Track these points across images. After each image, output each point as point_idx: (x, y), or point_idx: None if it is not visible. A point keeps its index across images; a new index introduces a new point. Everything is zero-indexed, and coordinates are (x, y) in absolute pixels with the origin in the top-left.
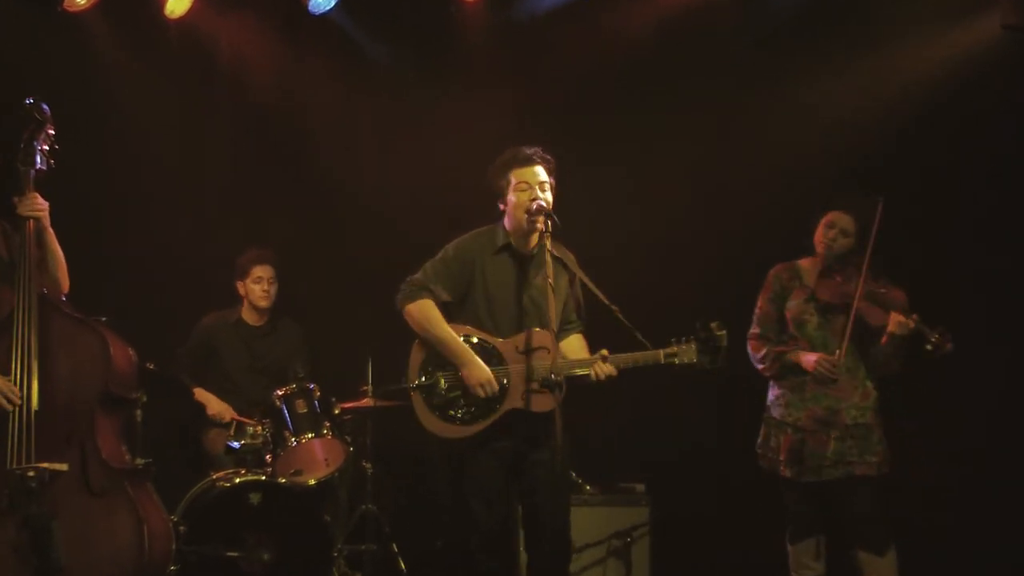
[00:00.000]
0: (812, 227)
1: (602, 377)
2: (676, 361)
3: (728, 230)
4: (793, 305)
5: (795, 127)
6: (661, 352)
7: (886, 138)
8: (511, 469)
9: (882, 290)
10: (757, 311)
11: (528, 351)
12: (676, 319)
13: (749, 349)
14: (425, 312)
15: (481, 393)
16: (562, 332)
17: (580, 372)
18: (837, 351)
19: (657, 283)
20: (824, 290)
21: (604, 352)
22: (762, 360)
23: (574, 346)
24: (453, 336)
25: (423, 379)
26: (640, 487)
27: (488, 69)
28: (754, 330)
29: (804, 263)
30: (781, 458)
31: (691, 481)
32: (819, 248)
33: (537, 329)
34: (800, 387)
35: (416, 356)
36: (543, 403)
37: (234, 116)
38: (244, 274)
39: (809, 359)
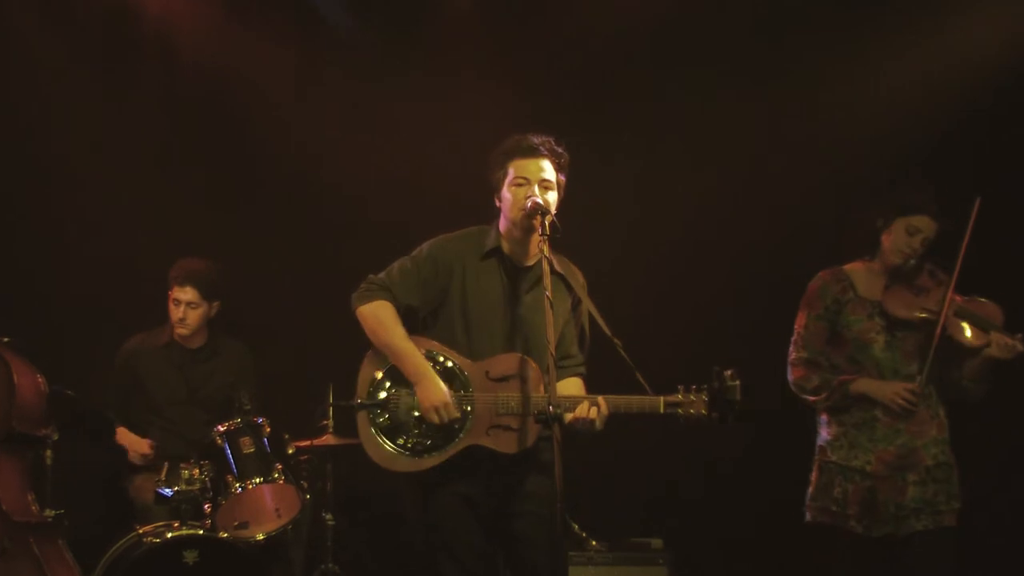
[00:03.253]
0: (861, 227)
1: (584, 419)
2: (680, 412)
3: (753, 239)
4: (853, 322)
5: (836, 116)
6: (661, 400)
7: (941, 128)
8: (488, 524)
9: (973, 304)
10: (799, 330)
11: (502, 379)
12: (686, 351)
13: (792, 377)
14: (378, 315)
15: (435, 419)
16: (557, 369)
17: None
18: (918, 377)
19: (664, 304)
20: (897, 304)
21: (599, 399)
22: (816, 390)
23: (567, 390)
24: (408, 345)
25: (371, 396)
26: (657, 542)
27: (474, 42)
28: (799, 354)
29: (854, 269)
30: (850, 511)
31: (717, 534)
32: (894, 257)
33: (519, 355)
34: (868, 423)
35: (367, 368)
36: (511, 442)
37: (166, 92)
38: (168, 288)
39: (885, 389)
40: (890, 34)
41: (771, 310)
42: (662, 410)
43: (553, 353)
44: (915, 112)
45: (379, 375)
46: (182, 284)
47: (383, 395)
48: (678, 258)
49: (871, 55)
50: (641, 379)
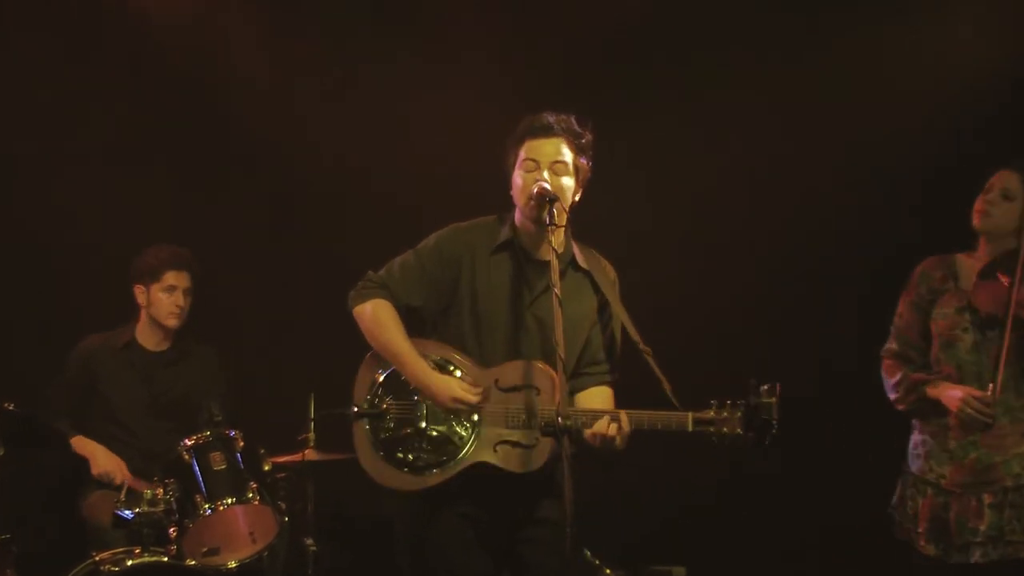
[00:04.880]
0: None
1: (604, 435)
2: (711, 430)
3: (797, 233)
4: (940, 315)
5: (889, 83)
6: (690, 416)
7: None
8: (494, 548)
9: None
10: (897, 319)
11: (513, 389)
12: (711, 356)
13: (883, 372)
14: (376, 314)
15: (464, 408)
16: (581, 377)
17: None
18: (991, 384)
19: (684, 305)
20: (984, 296)
21: (621, 414)
22: (895, 387)
23: (592, 401)
24: (407, 347)
25: (369, 405)
26: (679, 571)
27: (473, 15)
28: (890, 345)
29: (964, 258)
30: (919, 529)
31: (747, 562)
32: (975, 221)
33: (532, 362)
34: (943, 432)
35: (365, 373)
36: (520, 461)
37: (127, 63)
38: (151, 277)
39: (953, 395)
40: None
41: (804, 308)
42: (691, 428)
43: (563, 356)
44: (969, 86)
45: (379, 380)
46: (178, 269)
47: (383, 404)
48: (700, 252)
49: (918, 26)
50: (670, 393)
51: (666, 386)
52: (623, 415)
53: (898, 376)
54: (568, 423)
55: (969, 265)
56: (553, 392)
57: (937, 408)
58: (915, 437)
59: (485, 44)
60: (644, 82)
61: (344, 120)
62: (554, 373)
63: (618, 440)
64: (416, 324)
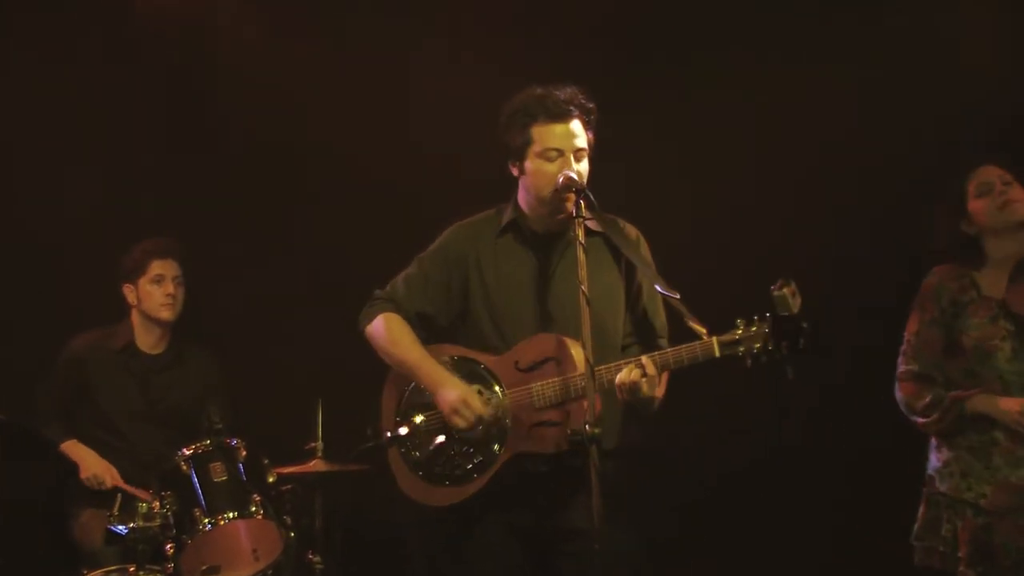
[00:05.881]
0: (943, 222)
1: (630, 383)
2: (741, 351)
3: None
4: (972, 327)
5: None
6: (715, 341)
7: None
8: (536, 555)
9: None
10: (909, 337)
11: (533, 367)
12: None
13: (900, 394)
14: (385, 328)
15: (461, 423)
16: (646, 347)
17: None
18: None
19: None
20: (1020, 298)
21: (643, 358)
22: (927, 410)
23: None
24: (419, 352)
25: (399, 428)
26: None
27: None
28: (908, 367)
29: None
30: (960, 553)
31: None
32: (982, 219)
33: (548, 335)
34: (984, 448)
35: (389, 397)
36: (558, 439)
37: (112, 44)
38: (137, 272)
39: (1007, 407)
40: None
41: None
42: (718, 353)
43: (590, 359)
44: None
45: (402, 399)
46: (163, 257)
47: (411, 424)
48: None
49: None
50: (693, 324)
51: (688, 317)
52: (646, 360)
53: (928, 398)
54: (596, 432)
55: (989, 270)
56: (577, 359)
57: (976, 424)
58: (943, 455)
59: (486, 24)
60: (652, 59)
61: (344, 114)
62: (569, 340)
63: (644, 386)
64: (435, 335)
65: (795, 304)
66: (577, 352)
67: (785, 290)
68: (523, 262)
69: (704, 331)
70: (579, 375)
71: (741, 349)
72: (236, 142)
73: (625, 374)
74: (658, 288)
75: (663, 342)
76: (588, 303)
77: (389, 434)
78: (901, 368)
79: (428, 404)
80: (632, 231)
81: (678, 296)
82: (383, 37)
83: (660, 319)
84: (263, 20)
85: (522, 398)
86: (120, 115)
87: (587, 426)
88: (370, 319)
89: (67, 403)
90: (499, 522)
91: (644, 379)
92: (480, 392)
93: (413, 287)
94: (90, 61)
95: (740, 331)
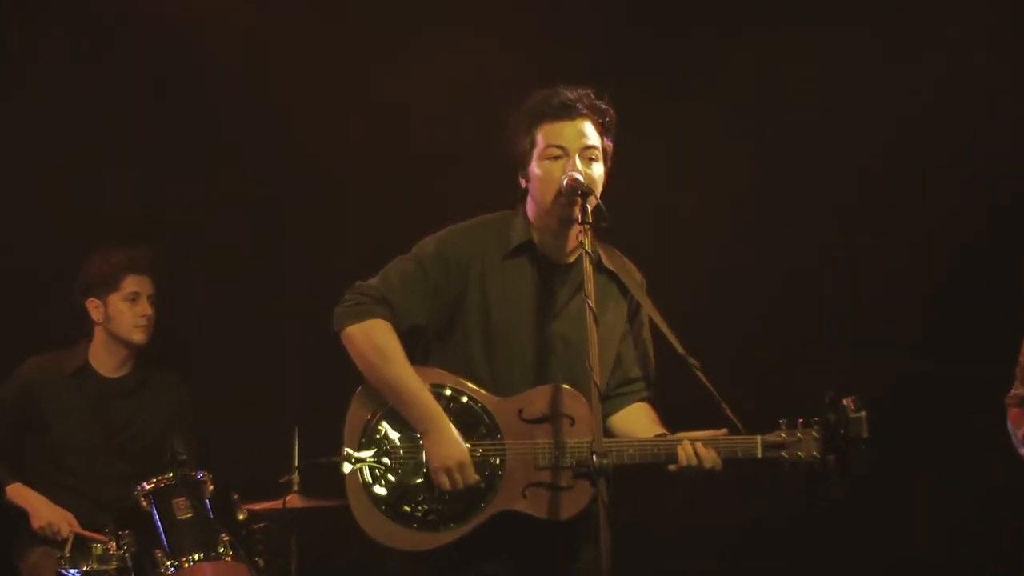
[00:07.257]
0: None
1: (696, 464)
2: (784, 455)
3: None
4: None
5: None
6: (759, 440)
7: None
8: None
9: None
10: (1022, 359)
11: (542, 420)
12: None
13: (1011, 423)
14: (375, 339)
15: (445, 483)
16: (614, 399)
17: (648, 459)
18: None
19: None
20: None
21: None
22: None
23: (638, 421)
24: (415, 382)
25: (364, 448)
26: None
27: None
28: (1016, 390)
29: None
30: None
31: None
32: None
33: (562, 387)
34: None
35: (357, 411)
36: (556, 506)
37: (78, 25)
38: (107, 287)
39: None
40: None
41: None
42: (760, 454)
43: (598, 383)
44: None
45: (374, 419)
46: (139, 272)
47: (379, 448)
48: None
49: None
50: (730, 414)
51: (724, 406)
52: (700, 448)
53: None
54: (604, 463)
55: None
56: (592, 420)
57: None
58: None
59: (490, 19)
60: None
61: (341, 101)
62: (585, 399)
63: (718, 463)
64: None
65: (865, 426)
66: (589, 413)
67: (863, 412)
68: (531, 287)
69: (738, 424)
70: (586, 442)
71: (784, 454)
72: (209, 154)
73: (690, 449)
74: (678, 350)
75: (645, 393)
76: (596, 320)
77: (350, 453)
78: (1012, 392)
79: (407, 436)
80: (637, 273)
81: (697, 364)
82: (379, 36)
83: (650, 372)
84: (251, 18)
85: (524, 452)
86: (85, 119)
87: (594, 456)
88: (356, 320)
89: (11, 439)
90: (475, 573)
91: (714, 461)
92: (475, 448)
93: (412, 289)
94: (93, 68)
95: (785, 434)
